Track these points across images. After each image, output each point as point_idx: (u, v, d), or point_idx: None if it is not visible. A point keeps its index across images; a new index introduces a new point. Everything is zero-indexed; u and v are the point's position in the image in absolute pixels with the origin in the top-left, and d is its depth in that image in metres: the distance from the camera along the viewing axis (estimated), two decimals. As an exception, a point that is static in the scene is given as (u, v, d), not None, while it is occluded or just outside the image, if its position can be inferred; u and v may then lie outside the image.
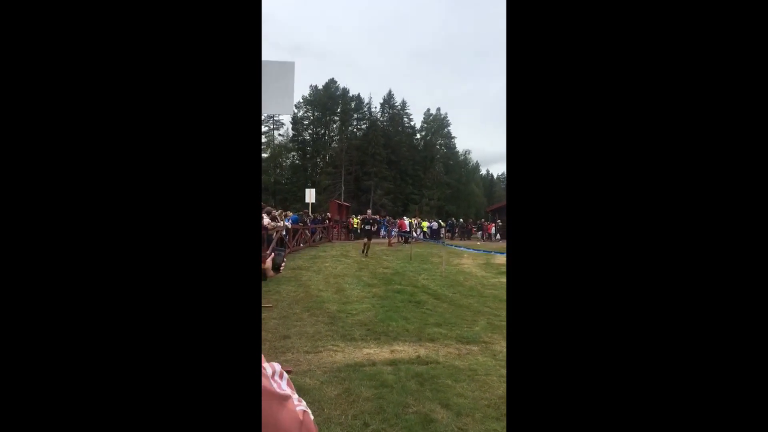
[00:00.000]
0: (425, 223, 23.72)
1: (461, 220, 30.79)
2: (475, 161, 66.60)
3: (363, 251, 12.70)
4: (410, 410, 2.48)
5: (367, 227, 13.56)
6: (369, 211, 14.85)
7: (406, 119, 53.81)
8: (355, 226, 20.56)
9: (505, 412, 2.48)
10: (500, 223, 27.05)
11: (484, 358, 3.50)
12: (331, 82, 51.50)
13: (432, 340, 4.00)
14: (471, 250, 12.94)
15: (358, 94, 52.34)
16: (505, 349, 3.74)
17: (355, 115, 52.21)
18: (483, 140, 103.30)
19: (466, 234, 26.72)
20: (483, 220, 29.74)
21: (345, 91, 51.89)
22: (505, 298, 6.43)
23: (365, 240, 13.33)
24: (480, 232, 26.64)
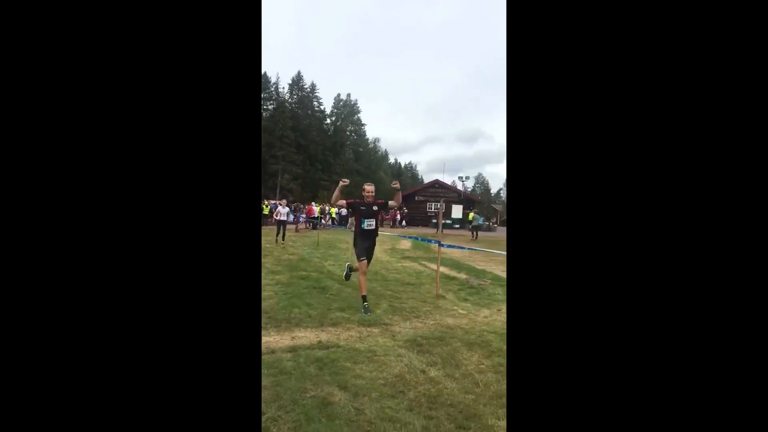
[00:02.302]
0: (334, 209, 23.67)
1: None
2: (384, 149, 68.08)
3: (348, 273, 5.73)
4: (308, 395, 2.47)
5: (370, 227, 4.81)
6: (370, 187, 4.84)
7: (316, 103, 52.63)
8: (265, 212, 19.20)
9: (400, 389, 2.62)
10: (405, 210, 28.17)
11: (383, 340, 3.63)
12: (235, 57, 47.97)
13: (334, 325, 4.03)
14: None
15: (265, 72, 49.68)
16: (404, 330, 3.93)
17: (262, 95, 49.54)
18: (392, 130, 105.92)
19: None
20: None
21: (250, 67, 48.76)
22: (406, 281, 6.73)
23: (362, 260, 4.72)
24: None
